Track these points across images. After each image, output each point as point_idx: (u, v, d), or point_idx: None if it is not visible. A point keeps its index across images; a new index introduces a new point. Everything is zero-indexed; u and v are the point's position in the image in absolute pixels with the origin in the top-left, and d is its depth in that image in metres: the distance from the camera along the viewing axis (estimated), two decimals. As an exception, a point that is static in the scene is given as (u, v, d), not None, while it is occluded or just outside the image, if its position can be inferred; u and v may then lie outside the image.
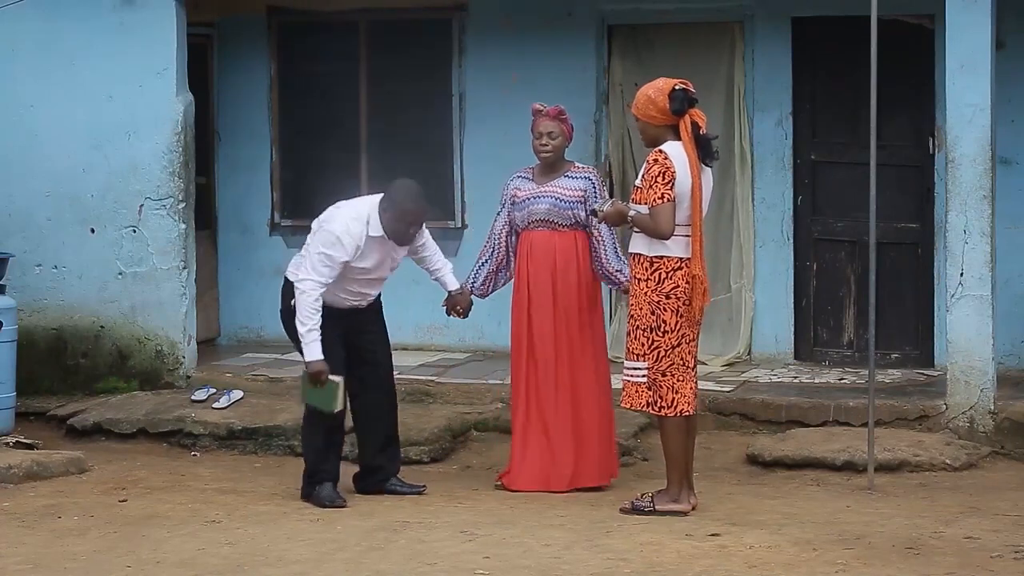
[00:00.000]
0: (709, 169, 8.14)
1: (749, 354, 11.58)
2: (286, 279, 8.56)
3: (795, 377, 11.00)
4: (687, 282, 8.00)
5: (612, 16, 11.74)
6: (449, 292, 8.97)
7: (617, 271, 8.78)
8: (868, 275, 8.95)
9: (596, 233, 8.82)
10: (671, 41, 11.64)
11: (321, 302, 8.34)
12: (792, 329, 11.53)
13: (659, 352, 8.05)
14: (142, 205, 11.16)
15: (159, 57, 11.10)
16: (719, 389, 10.52)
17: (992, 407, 9.65)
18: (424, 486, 8.80)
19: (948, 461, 9.26)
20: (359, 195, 8.85)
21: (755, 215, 11.52)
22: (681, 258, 7.99)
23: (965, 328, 9.61)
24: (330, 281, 8.35)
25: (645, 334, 8.06)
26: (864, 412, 9.37)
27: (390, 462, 8.79)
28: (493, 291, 9.13)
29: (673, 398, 8.07)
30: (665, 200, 7.91)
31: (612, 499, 8.48)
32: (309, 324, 8.31)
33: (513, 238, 8.98)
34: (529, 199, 8.85)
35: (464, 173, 12.00)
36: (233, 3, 12.29)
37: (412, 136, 12.03)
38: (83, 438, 10.38)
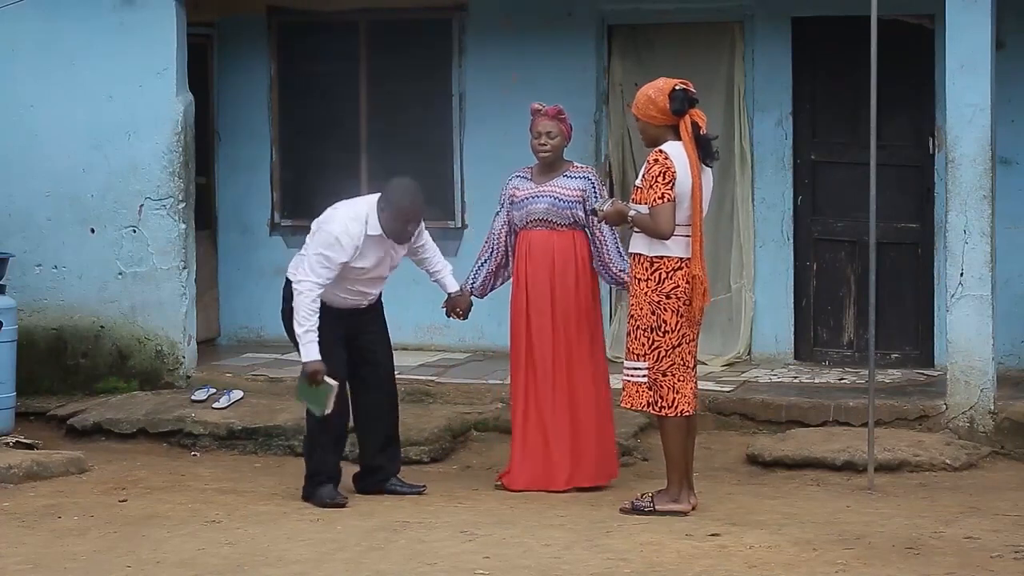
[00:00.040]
0: (709, 169, 8.14)
1: (749, 354, 11.58)
2: (287, 279, 8.56)
3: (795, 377, 11.00)
4: (687, 282, 8.01)
5: (612, 16, 11.74)
6: (449, 294, 8.97)
7: (621, 271, 8.78)
8: (868, 275, 8.95)
9: (598, 233, 8.82)
10: (671, 41, 11.64)
11: (319, 303, 8.34)
12: (792, 329, 11.53)
13: (659, 352, 8.05)
14: (142, 205, 11.17)
15: (159, 57, 11.10)
16: (719, 389, 10.52)
17: (992, 407, 9.65)
18: (424, 486, 8.80)
19: (948, 461, 9.26)
20: (359, 195, 8.85)
21: (755, 215, 11.52)
22: (681, 258, 7.99)
23: (965, 328, 9.61)
24: (328, 282, 8.35)
25: (645, 334, 8.06)
26: (864, 412, 9.37)
27: (390, 462, 8.79)
28: (491, 291, 9.14)
29: (674, 398, 8.07)
30: (665, 200, 7.91)
31: (612, 499, 8.48)
32: (307, 325, 8.31)
33: (512, 238, 8.98)
34: (528, 199, 8.85)
35: (464, 173, 12.00)
36: (233, 3, 12.29)
37: (412, 136, 12.03)
38: (83, 438, 10.38)
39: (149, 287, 11.18)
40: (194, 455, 10.08)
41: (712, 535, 7.65)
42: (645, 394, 8.10)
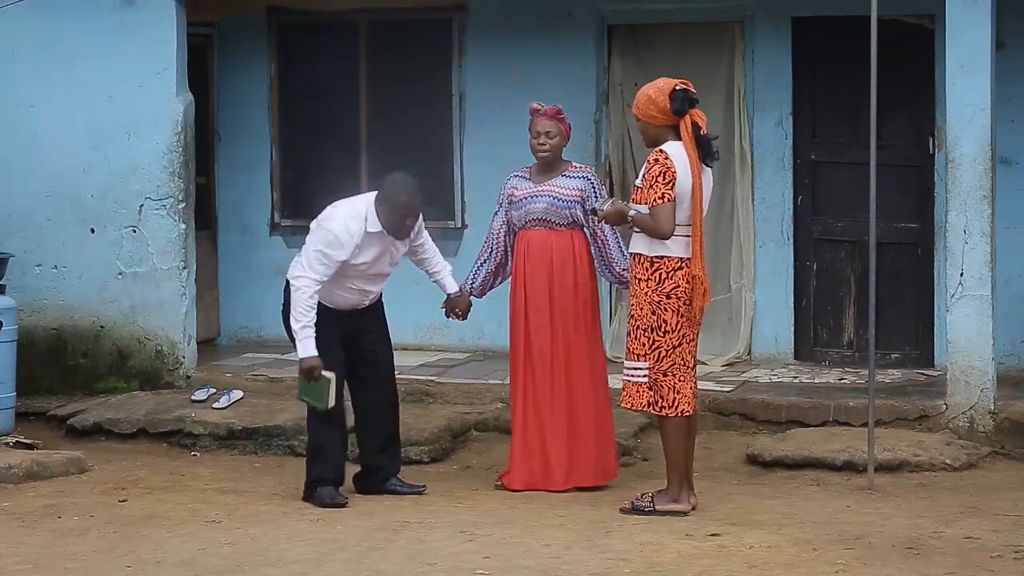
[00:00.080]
0: (709, 169, 8.14)
1: (749, 354, 11.58)
2: (288, 280, 8.56)
3: (795, 377, 11.00)
4: (687, 282, 8.01)
5: (612, 16, 11.74)
6: (448, 294, 8.98)
7: (624, 270, 8.78)
8: (868, 275, 8.95)
9: (600, 233, 8.83)
10: (671, 41, 11.64)
11: (316, 300, 8.34)
12: (792, 329, 11.53)
13: (660, 352, 8.05)
14: (142, 205, 11.17)
15: (159, 57, 11.11)
16: (719, 389, 10.52)
17: (992, 407, 9.65)
18: (424, 486, 8.80)
19: (948, 461, 9.26)
20: (359, 195, 8.85)
21: (755, 215, 11.52)
22: (681, 258, 8.00)
23: (965, 328, 9.61)
24: (326, 279, 8.35)
25: (646, 334, 8.06)
26: (864, 412, 9.37)
27: (390, 462, 8.79)
28: (491, 290, 9.14)
29: (674, 398, 8.07)
30: (665, 200, 7.91)
31: (612, 499, 8.48)
32: (304, 321, 8.32)
33: (511, 237, 8.98)
34: (526, 198, 8.85)
35: (464, 173, 12.00)
36: (233, 3, 12.29)
37: (412, 136, 12.03)
38: (83, 438, 10.38)
39: (149, 287, 11.18)
40: (194, 455, 10.08)
41: (712, 535, 7.65)
42: (645, 394, 8.10)
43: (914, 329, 11.32)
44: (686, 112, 7.98)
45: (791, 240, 11.50)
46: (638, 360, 8.10)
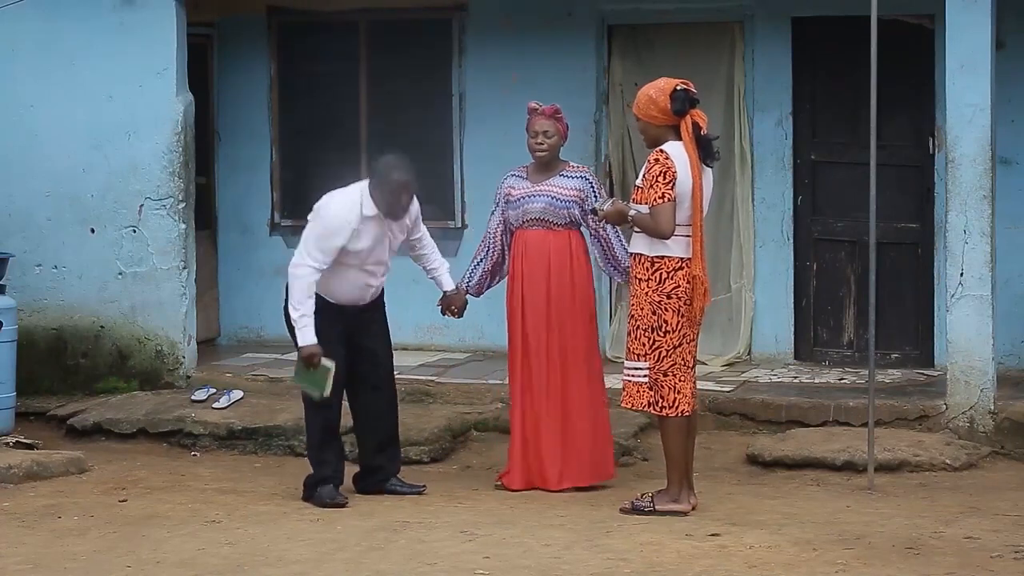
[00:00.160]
0: (709, 169, 8.14)
1: (749, 354, 11.58)
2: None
3: (795, 377, 11.00)
4: (688, 282, 8.01)
5: (612, 16, 11.74)
6: (444, 291, 8.99)
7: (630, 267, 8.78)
8: (868, 275, 8.95)
9: (603, 233, 8.82)
10: (671, 41, 11.64)
11: (314, 288, 8.34)
12: (792, 329, 11.53)
13: (660, 352, 8.05)
14: (142, 205, 11.17)
15: (159, 57, 11.11)
16: (719, 389, 10.51)
17: (992, 407, 9.65)
18: (424, 486, 8.80)
19: (948, 461, 9.26)
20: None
21: (755, 215, 11.52)
22: (682, 258, 8.00)
23: (965, 328, 9.61)
24: (324, 267, 8.35)
25: (646, 334, 8.06)
26: (864, 412, 9.37)
27: (390, 462, 8.80)
28: (488, 289, 9.14)
29: (675, 398, 8.07)
30: (666, 200, 7.91)
31: (612, 499, 8.48)
32: (302, 309, 8.32)
33: (508, 237, 8.99)
34: (524, 198, 8.85)
35: (464, 173, 12.00)
36: (233, 3, 12.29)
37: (412, 136, 12.02)
38: (83, 438, 10.38)
39: (149, 287, 11.18)
40: (194, 455, 10.08)
41: (712, 535, 7.65)
42: (646, 394, 8.10)
43: (914, 329, 11.32)
44: (687, 112, 7.98)
45: (791, 240, 11.50)
46: (638, 360, 8.10)
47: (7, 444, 9.87)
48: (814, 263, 11.54)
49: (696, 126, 7.99)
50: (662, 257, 8.01)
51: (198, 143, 11.45)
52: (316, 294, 8.40)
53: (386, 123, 12.12)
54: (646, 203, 7.98)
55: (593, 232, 8.88)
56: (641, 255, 8.07)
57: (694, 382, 8.20)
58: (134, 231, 11.19)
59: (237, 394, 10.57)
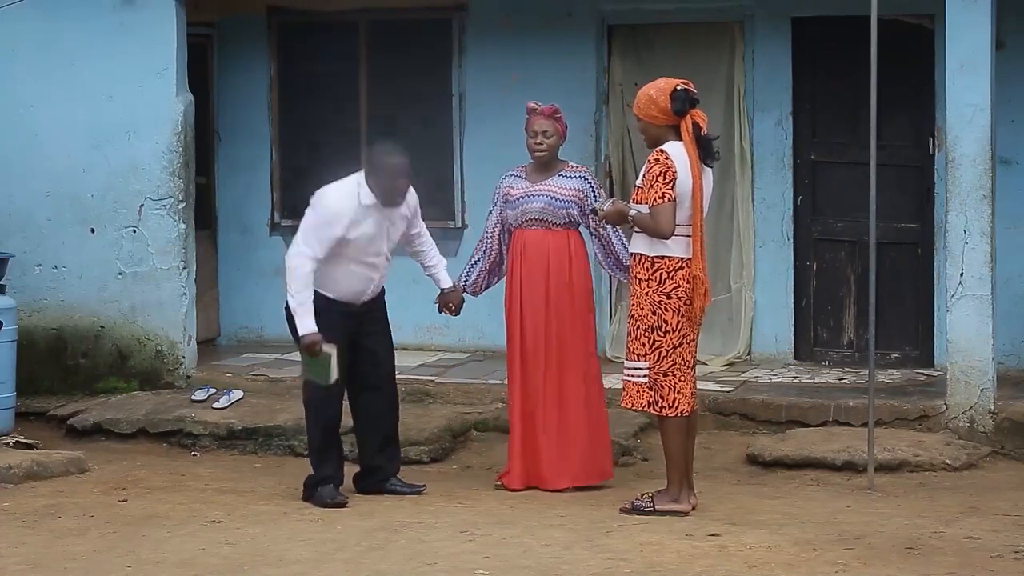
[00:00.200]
0: (709, 169, 8.14)
1: (749, 354, 11.58)
2: None
3: (795, 377, 11.00)
4: (688, 282, 8.01)
5: (612, 16, 11.74)
6: (442, 289, 8.99)
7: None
8: (868, 275, 8.95)
9: (603, 232, 8.83)
10: (671, 41, 11.64)
11: (312, 277, 8.33)
12: (792, 329, 11.53)
13: (660, 352, 8.05)
14: (142, 205, 11.17)
15: (159, 57, 11.11)
16: (719, 389, 10.51)
17: (992, 407, 9.65)
18: (424, 486, 8.80)
19: (948, 461, 9.26)
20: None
21: (755, 215, 11.52)
22: (682, 258, 8.00)
23: (965, 328, 9.61)
24: (321, 256, 8.34)
25: (646, 334, 8.06)
26: (864, 412, 9.37)
27: (390, 462, 8.80)
28: (486, 289, 9.15)
29: (675, 398, 8.07)
30: (666, 200, 7.91)
31: (612, 499, 8.48)
32: (300, 298, 8.32)
33: (506, 236, 8.99)
34: (523, 197, 8.85)
35: (464, 173, 12.00)
36: (233, 3, 12.29)
37: (412, 136, 12.01)
38: (83, 438, 10.38)
39: (149, 287, 11.18)
40: (194, 455, 10.08)
41: (712, 535, 7.65)
42: (645, 394, 8.10)
43: (914, 329, 11.32)
44: (687, 112, 7.98)
45: (791, 240, 11.50)
46: (638, 360, 8.10)
47: (7, 444, 9.87)
48: (814, 263, 11.54)
49: (696, 126, 7.99)
50: (662, 257, 8.01)
51: (198, 143, 11.45)
52: (318, 292, 8.41)
53: (386, 123, 12.11)
54: (646, 203, 7.98)
55: (593, 232, 8.88)
56: (641, 255, 8.07)
57: (694, 382, 8.20)
58: (134, 231, 11.19)
59: (237, 394, 10.57)
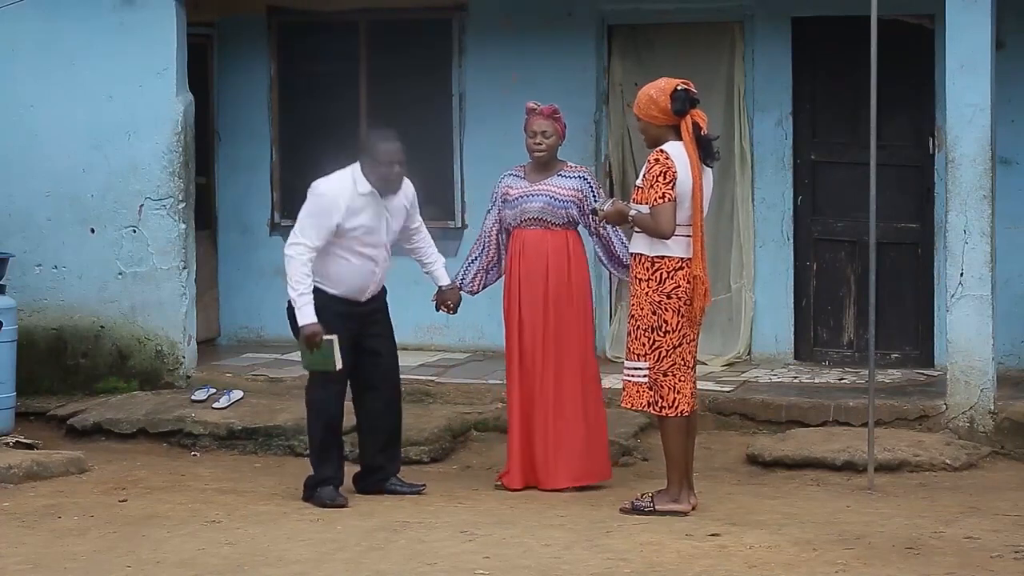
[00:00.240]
0: (709, 169, 8.14)
1: (749, 354, 11.58)
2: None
3: (795, 377, 11.00)
4: (688, 282, 8.01)
5: (612, 16, 11.74)
6: (440, 287, 8.99)
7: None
8: (868, 275, 8.95)
9: (603, 232, 8.83)
10: (671, 41, 11.64)
11: (311, 267, 8.33)
12: (792, 329, 11.53)
13: (660, 352, 8.05)
14: (142, 205, 11.17)
15: (159, 57, 11.11)
16: (719, 389, 10.51)
17: (992, 407, 9.65)
18: (424, 486, 8.80)
19: (948, 461, 9.26)
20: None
21: (755, 215, 11.52)
22: (682, 258, 8.00)
23: (965, 328, 9.61)
24: (320, 245, 8.34)
25: (646, 334, 8.06)
26: (864, 412, 9.37)
27: (390, 462, 8.79)
28: (483, 288, 9.15)
29: (674, 398, 8.07)
30: (666, 200, 7.91)
31: (612, 499, 8.48)
32: (300, 289, 8.32)
33: (503, 236, 8.99)
34: (521, 197, 8.85)
35: (464, 173, 12.00)
36: (233, 3, 12.29)
37: (412, 136, 11.97)
38: (83, 438, 10.38)
39: (149, 287, 11.18)
40: (194, 455, 10.08)
41: (712, 535, 7.65)
42: (645, 394, 8.10)
43: (914, 329, 11.32)
44: (687, 112, 7.98)
45: (791, 240, 11.50)
46: (638, 360, 8.10)
47: (7, 444, 9.87)
48: (814, 263, 11.54)
49: (696, 126, 7.99)
50: (662, 257, 8.01)
51: (198, 143, 11.45)
52: (321, 288, 8.41)
53: (386, 123, 12.04)
54: (646, 203, 7.98)
55: (593, 231, 8.88)
56: (641, 255, 8.07)
57: (694, 382, 8.20)
58: (134, 231, 11.19)
59: (237, 394, 10.57)
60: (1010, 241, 10.56)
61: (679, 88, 8.00)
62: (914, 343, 11.31)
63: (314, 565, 7.23)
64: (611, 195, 10.82)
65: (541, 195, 8.82)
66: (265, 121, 12.41)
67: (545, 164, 8.87)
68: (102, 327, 11.29)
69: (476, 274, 9.07)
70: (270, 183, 12.41)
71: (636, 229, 8.07)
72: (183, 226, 11.14)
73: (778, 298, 11.52)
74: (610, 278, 11.48)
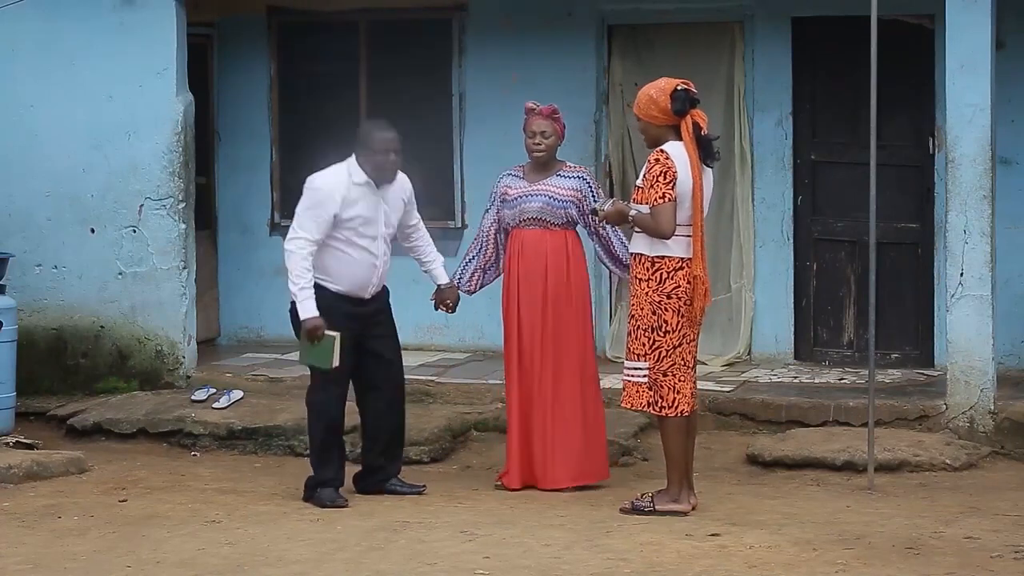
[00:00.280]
0: (710, 169, 8.14)
1: (749, 354, 11.58)
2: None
3: (795, 377, 11.00)
4: (688, 282, 8.01)
5: (612, 16, 11.74)
6: (438, 285, 9.00)
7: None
8: (868, 275, 8.95)
9: (602, 231, 8.83)
10: (671, 41, 11.64)
11: (311, 261, 8.32)
12: (792, 329, 11.53)
13: (660, 352, 8.05)
14: (142, 205, 11.17)
15: (159, 57, 11.11)
16: (719, 389, 10.51)
17: (992, 407, 9.65)
18: (424, 486, 8.80)
19: (948, 461, 9.26)
20: None
21: (755, 215, 11.52)
22: (682, 258, 8.00)
23: (965, 328, 9.61)
24: (319, 237, 8.34)
25: (646, 334, 8.06)
26: (864, 412, 9.37)
27: (391, 463, 8.79)
28: (480, 287, 9.16)
29: (674, 398, 8.07)
30: (666, 200, 7.91)
31: (612, 499, 8.48)
32: (301, 283, 8.32)
33: (502, 236, 8.99)
34: (520, 197, 8.85)
35: (464, 173, 12.00)
36: (233, 3, 12.29)
37: (412, 136, 11.98)
38: (83, 438, 10.38)
39: (149, 287, 11.18)
40: (194, 455, 10.08)
41: (712, 535, 7.65)
42: (645, 394, 8.10)
43: (914, 329, 11.32)
44: (687, 112, 7.98)
45: (791, 240, 11.50)
46: (638, 360, 8.10)
47: (7, 444, 9.87)
48: (814, 263, 11.54)
49: (696, 126, 7.99)
50: (662, 257, 8.01)
51: (198, 143, 11.45)
52: (323, 285, 8.40)
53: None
54: (646, 203, 7.98)
55: (593, 231, 8.88)
56: (641, 255, 8.07)
57: (694, 382, 8.20)
58: (134, 231, 11.19)
59: (237, 394, 10.57)
60: (1010, 241, 10.56)
61: (679, 88, 8.00)
62: (914, 343, 11.31)
63: (314, 565, 7.23)
64: (611, 195, 10.82)
65: (540, 195, 8.82)
66: (265, 121, 12.41)
67: (544, 164, 8.87)
68: (102, 327, 11.29)
69: (473, 273, 9.07)
70: (270, 183, 12.41)
71: (636, 229, 8.07)
72: (183, 226, 11.14)
73: (778, 298, 11.52)
74: (610, 278, 11.48)
